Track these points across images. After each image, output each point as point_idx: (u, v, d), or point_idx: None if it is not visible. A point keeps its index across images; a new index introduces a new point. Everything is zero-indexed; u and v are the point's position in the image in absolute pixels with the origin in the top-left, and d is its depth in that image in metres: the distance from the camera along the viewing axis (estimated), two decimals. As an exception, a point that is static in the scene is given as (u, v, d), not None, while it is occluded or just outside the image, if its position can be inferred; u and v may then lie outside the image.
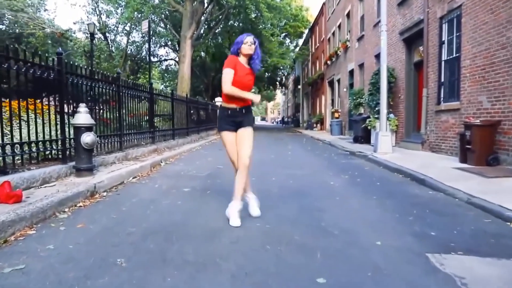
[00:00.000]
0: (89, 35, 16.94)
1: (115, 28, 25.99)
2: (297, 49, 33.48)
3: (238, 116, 3.13)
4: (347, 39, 17.42)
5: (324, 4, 24.92)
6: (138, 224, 2.97)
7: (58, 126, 4.50)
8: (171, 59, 30.96)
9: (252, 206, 3.31)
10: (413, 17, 9.21)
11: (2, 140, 3.53)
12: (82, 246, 2.47)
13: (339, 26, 19.49)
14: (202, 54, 27.42)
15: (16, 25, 23.82)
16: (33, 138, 4.07)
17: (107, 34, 25.95)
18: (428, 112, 8.37)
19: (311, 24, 28.43)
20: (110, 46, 25.96)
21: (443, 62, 7.81)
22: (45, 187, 3.72)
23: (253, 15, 20.08)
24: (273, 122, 75.39)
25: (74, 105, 4.76)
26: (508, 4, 5.54)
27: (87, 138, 4.24)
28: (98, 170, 4.89)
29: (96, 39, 24.70)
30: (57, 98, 4.54)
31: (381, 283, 2.01)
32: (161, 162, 6.81)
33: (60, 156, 4.52)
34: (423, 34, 8.52)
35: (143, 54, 26.80)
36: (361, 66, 14.86)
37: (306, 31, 29.27)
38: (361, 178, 5.57)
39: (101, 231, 2.81)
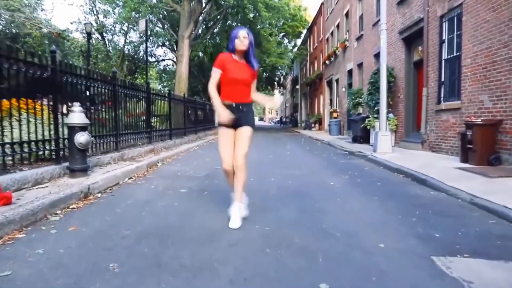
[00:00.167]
0: (86, 35, 16.80)
1: (113, 28, 25.87)
2: (295, 49, 33.41)
3: (234, 113, 3.02)
4: (345, 39, 17.35)
5: (322, 4, 24.86)
6: (132, 227, 2.87)
7: (52, 126, 4.38)
8: (169, 59, 30.89)
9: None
10: (412, 16, 9.14)
11: (-7, 140, 3.42)
12: (73, 251, 2.36)
13: (338, 26, 19.42)
14: (200, 54, 27.29)
15: (12, 25, 23.62)
16: (25, 138, 3.96)
17: (105, 34, 25.80)
18: (428, 112, 8.29)
19: (309, 24, 28.36)
20: (108, 46, 25.81)
21: (443, 61, 7.74)
22: (37, 188, 3.61)
23: (251, 15, 19.98)
24: (271, 122, 75.27)
25: (69, 104, 4.64)
26: (510, 2, 5.46)
27: (81, 138, 4.13)
28: (92, 170, 4.78)
29: (93, 39, 24.59)
30: (50, 97, 4.41)
31: (386, 289, 1.92)
32: (158, 163, 6.70)
33: (54, 156, 4.40)
34: (423, 33, 8.45)
35: (140, 54, 26.68)
36: (360, 65, 14.79)
37: (305, 31, 29.21)
38: (361, 178, 5.48)
39: (94, 234, 2.70)
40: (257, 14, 18.79)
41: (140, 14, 17.78)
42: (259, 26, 20.82)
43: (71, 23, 36.58)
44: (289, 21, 24.15)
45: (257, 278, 2.01)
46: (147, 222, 3.02)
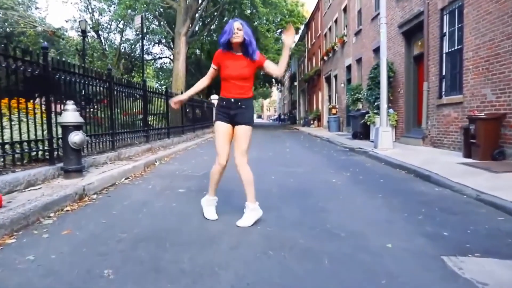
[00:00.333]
0: (81, 33, 16.59)
1: (108, 26, 25.62)
2: (293, 45, 33.21)
3: (232, 109, 2.90)
4: (344, 34, 17.21)
5: (319, -1, 24.71)
6: (129, 230, 2.75)
7: (45, 125, 4.24)
8: (166, 57, 30.62)
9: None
10: (412, 9, 9.01)
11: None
12: (66, 256, 2.24)
13: (336, 21, 19.27)
14: (197, 51, 27.09)
15: (6, 23, 23.35)
16: (17, 138, 3.83)
17: (100, 32, 25.55)
18: (429, 106, 8.18)
19: (307, 20, 28.20)
20: (104, 44, 25.56)
21: (444, 55, 7.63)
22: (29, 190, 3.48)
23: (248, 11, 19.79)
24: (269, 120, 75.16)
25: (63, 103, 4.50)
26: (513, -8, 5.36)
27: (75, 137, 4.00)
28: (88, 171, 4.65)
29: (89, 37, 24.33)
30: (43, 96, 4.28)
31: (398, 294, 1.81)
32: (156, 162, 6.57)
33: (48, 157, 4.27)
34: (423, 27, 8.33)
35: (137, 53, 26.43)
36: (358, 61, 14.66)
37: (302, 27, 29.02)
38: (363, 175, 5.37)
39: (88, 238, 2.58)
40: (254, 10, 18.61)
41: (136, 12, 17.57)
42: (256, 23, 20.63)
43: (66, 21, 36.25)
44: (287, 17, 23.94)
45: (260, 284, 1.90)
46: (144, 225, 2.90)
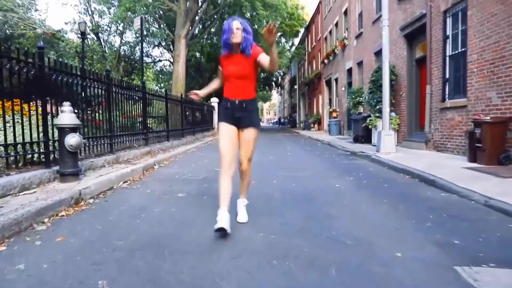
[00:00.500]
0: (80, 34, 16.51)
1: (108, 28, 25.55)
2: (293, 48, 33.19)
3: (236, 111, 2.80)
4: (344, 37, 17.14)
5: (320, 2, 24.68)
6: (125, 237, 2.62)
7: (41, 128, 4.13)
8: (166, 59, 30.55)
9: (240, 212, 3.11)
10: (414, 12, 8.93)
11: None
12: (58, 266, 2.11)
13: (336, 24, 19.22)
14: (197, 54, 27.02)
15: (5, 25, 23.28)
16: (12, 140, 3.71)
17: (100, 35, 25.48)
18: (432, 110, 8.08)
19: (307, 23, 28.16)
20: (103, 46, 25.48)
21: (447, 58, 7.53)
22: (24, 194, 3.36)
23: (248, 14, 19.74)
24: (269, 123, 75.09)
25: (59, 104, 4.38)
26: (519, -6, 5.27)
27: (72, 139, 3.88)
28: (85, 174, 4.52)
29: (88, 39, 24.26)
30: (39, 97, 4.16)
31: (413, 309, 1.69)
32: (155, 165, 6.45)
33: (43, 160, 4.15)
34: (425, 29, 8.24)
35: (137, 55, 26.35)
36: (359, 64, 14.58)
37: (302, 30, 28.97)
38: (367, 179, 5.26)
39: (82, 245, 2.46)
40: (254, 13, 18.55)
41: (136, 14, 17.51)
42: (256, 26, 20.58)
43: (65, 23, 36.19)
44: (287, 20, 23.91)
45: (265, 297, 1.78)
46: (142, 231, 2.78)
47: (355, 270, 2.10)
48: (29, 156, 4.03)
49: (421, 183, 4.96)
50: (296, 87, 38.84)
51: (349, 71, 16.40)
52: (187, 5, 16.59)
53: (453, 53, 7.36)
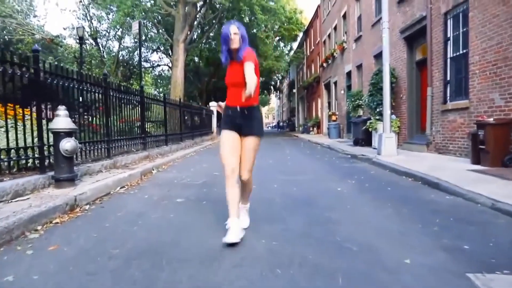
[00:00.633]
0: (79, 40, 16.46)
1: (107, 34, 25.52)
2: (292, 52, 33.22)
3: (237, 118, 2.68)
4: (343, 41, 17.12)
5: (319, 6, 24.71)
6: (121, 245, 2.52)
7: (36, 132, 4.03)
8: (165, 64, 30.53)
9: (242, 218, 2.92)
10: (414, 14, 8.88)
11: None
12: (50, 277, 2.01)
13: (335, 28, 19.21)
14: (196, 59, 27.00)
15: (4, 31, 23.24)
16: (4, 145, 3.61)
17: (99, 40, 25.44)
18: (434, 112, 8.00)
19: (305, 27, 28.17)
20: (102, 51, 25.44)
21: (448, 60, 7.47)
22: (16, 201, 3.25)
23: (247, 19, 19.74)
24: (268, 127, 75.02)
25: (55, 108, 4.28)
26: (521, -6, 5.21)
27: (67, 144, 3.77)
28: (81, 180, 4.42)
29: (87, 45, 24.22)
30: (33, 101, 4.06)
31: (427, 321, 1.59)
32: (153, 170, 6.34)
33: (38, 165, 4.04)
34: (425, 32, 8.19)
35: (135, 60, 26.32)
36: (359, 67, 14.54)
37: (301, 34, 29.01)
38: (369, 183, 5.16)
39: (76, 254, 2.35)
40: (253, 17, 18.54)
41: (134, 19, 17.47)
42: (255, 30, 20.58)
43: (64, 28, 36.17)
44: (285, 24, 23.92)
45: (269, 309, 1.67)
46: (139, 239, 2.67)
47: (362, 278, 2.00)
48: (23, 161, 3.92)
49: (424, 186, 4.86)
50: (294, 91, 38.82)
51: (348, 74, 16.36)
52: (186, 10, 16.57)
53: (454, 55, 7.30)
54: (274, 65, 25.29)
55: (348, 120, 15.67)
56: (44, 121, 4.15)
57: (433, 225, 3.01)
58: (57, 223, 3.05)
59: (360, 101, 12.44)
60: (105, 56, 25.08)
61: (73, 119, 4.35)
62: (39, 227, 2.85)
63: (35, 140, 4.01)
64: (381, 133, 7.98)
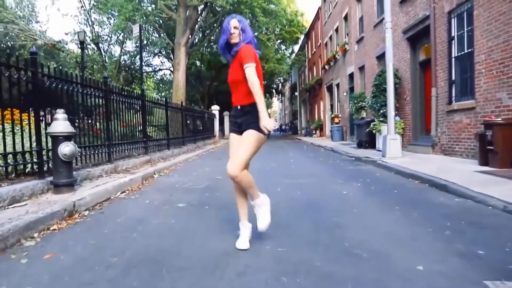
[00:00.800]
0: (79, 44, 16.45)
1: (108, 38, 25.57)
2: (293, 55, 33.16)
3: (238, 117, 2.55)
4: (345, 42, 17.02)
5: (320, 8, 24.65)
6: (120, 252, 2.41)
7: (34, 136, 3.94)
8: (166, 68, 30.53)
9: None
10: (417, 14, 8.78)
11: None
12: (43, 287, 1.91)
13: (337, 30, 19.14)
14: (197, 62, 26.99)
15: (6, 37, 23.32)
16: (1, 150, 3.52)
17: (100, 45, 25.48)
18: (439, 113, 7.88)
19: (306, 30, 28.14)
20: (104, 56, 25.48)
21: (453, 59, 7.35)
22: (13, 207, 3.16)
23: (248, 21, 19.70)
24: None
25: (53, 112, 4.20)
26: (528, -9, 5.10)
27: (66, 148, 3.68)
28: (81, 185, 4.32)
29: (89, 49, 24.25)
30: (32, 104, 3.98)
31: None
32: (154, 174, 6.24)
33: (37, 170, 3.95)
34: (429, 31, 8.08)
35: (137, 65, 26.33)
36: (361, 68, 14.43)
37: (302, 36, 28.96)
38: (375, 185, 5.04)
39: (73, 263, 2.25)
40: (254, 20, 18.50)
41: (135, 24, 17.45)
42: (256, 33, 20.53)
43: (65, 33, 36.31)
44: (286, 27, 23.89)
45: (276, 321, 1.56)
46: (139, 246, 2.56)
47: (374, 287, 1.89)
48: (22, 166, 3.83)
49: (431, 188, 4.74)
50: (297, 93, 38.74)
51: (351, 76, 16.25)
52: (187, 14, 16.54)
53: (459, 54, 7.18)
54: (275, 68, 25.22)
55: (351, 122, 15.54)
56: (43, 125, 4.07)
57: (444, 229, 2.89)
58: (55, 230, 2.95)
59: (363, 103, 12.31)
60: (107, 61, 25.11)
61: (72, 123, 4.27)
62: (35, 234, 2.75)
63: (34, 144, 3.92)
64: (386, 134, 7.86)
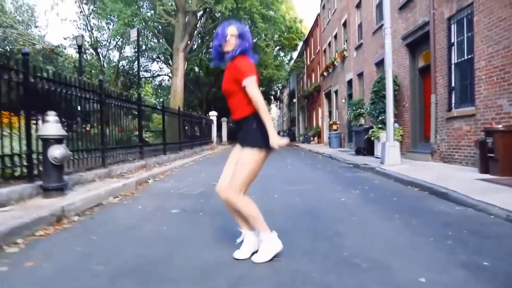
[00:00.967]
0: (78, 48, 16.40)
1: (107, 43, 25.55)
2: (292, 62, 33.22)
3: (238, 130, 2.41)
4: (344, 49, 17.03)
5: (318, 15, 24.75)
6: (107, 261, 2.29)
7: (24, 139, 3.83)
8: (165, 74, 30.52)
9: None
10: (417, 21, 8.76)
11: None
12: (22, 298, 1.79)
13: (335, 36, 19.17)
14: (196, 68, 26.98)
15: (5, 41, 23.27)
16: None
17: (99, 50, 25.46)
18: (438, 120, 7.81)
19: (305, 36, 28.21)
20: (102, 61, 25.45)
21: (453, 66, 7.30)
22: (-1, 212, 3.04)
23: (247, 27, 19.73)
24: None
25: (45, 114, 4.09)
26: (529, -3, 5.06)
27: (56, 151, 3.57)
28: (72, 189, 4.20)
29: (87, 54, 24.22)
30: (22, 106, 3.88)
31: None
32: (149, 179, 6.12)
33: (26, 173, 3.83)
34: (428, 38, 8.04)
35: (135, 70, 26.30)
36: (360, 75, 14.41)
37: (301, 43, 29.03)
38: (374, 193, 4.94)
39: (56, 271, 2.12)
40: (253, 26, 18.52)
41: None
42: (255, 39, 20.55)
43: (64, 38, 36.34)
44: (285, 33, 23.93)
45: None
46: (127, 254, 2.44)
47: (374, 300, 1.78)
48: (10, 170, 3.71)
49: (431, 196, 4.64)
50: (295, 100, 38.76)
51: (349, 82, 16.23)
52: (186, 19, 16.54)
53: (459, 60, 7.14)
54: (274, 74, 25.20)
55: (349, 129, 15.48)
56: (34, 127, 3.96)
57: (446, 238, 2.79)
58: (41, 235, 2.82)
59: (362, 110, 12.25)
60: (105, 66, 25.07)
61: (65, 127, 4.17)
62: (20, 240, 2.62)
63: (23, 147, 3.81)
64: (384, 141, 7.78)
